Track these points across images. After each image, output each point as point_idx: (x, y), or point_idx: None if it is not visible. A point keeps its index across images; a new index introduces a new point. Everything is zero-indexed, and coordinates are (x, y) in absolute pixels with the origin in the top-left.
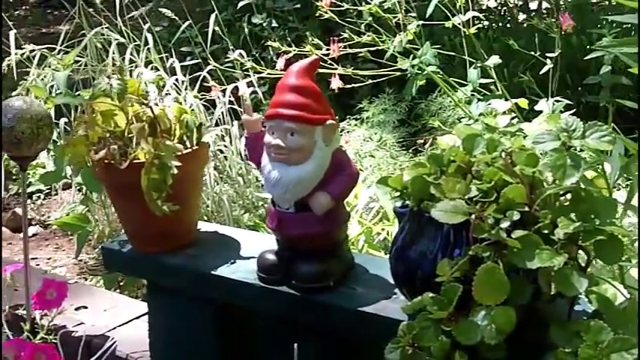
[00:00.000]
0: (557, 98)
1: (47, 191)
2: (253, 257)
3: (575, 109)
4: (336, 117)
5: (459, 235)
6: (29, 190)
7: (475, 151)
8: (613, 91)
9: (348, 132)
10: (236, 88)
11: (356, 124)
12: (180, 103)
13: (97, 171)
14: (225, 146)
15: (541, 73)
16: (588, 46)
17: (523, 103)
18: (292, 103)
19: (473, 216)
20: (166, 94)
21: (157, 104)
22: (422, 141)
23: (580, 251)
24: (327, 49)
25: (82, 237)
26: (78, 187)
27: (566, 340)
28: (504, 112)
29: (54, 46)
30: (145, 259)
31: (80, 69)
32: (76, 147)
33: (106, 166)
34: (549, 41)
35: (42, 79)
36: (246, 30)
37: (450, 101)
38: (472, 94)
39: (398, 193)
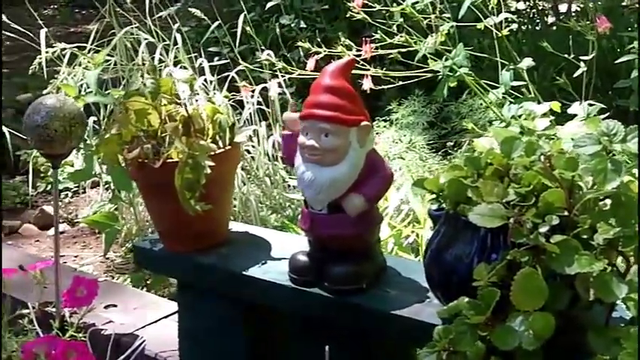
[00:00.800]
0: (591, 102)
1: (75, 189)
2: (285, 258)
3: (607, 113)
4: None
5: (495, 239)
6: None
7: (513, 154)
8: None
9: (377, 134)
10: (264, 88)
11: (385, 126)
12: (213, 103)
13: (130, 170)
14: (253, 147)
15: (575, 75)
16: (619, 50)
17: (555, 106)
18: (327, 103)
19: (511, 220)
20: (195, 93)
21: (191, 104)
22: (452, 143)
23: (620, 257)
24: (358, 50)
25: (110, 235)
26: (106, 186)
27: (605, 347)
28: (543, 115)
29: (84, 44)
30: (176, 258)
31: (110, 68)
32: (109, 145)
33: (139, 165)
34: (579, 44)
35: (72, 78)
36: (277, 30)
37: (481, 104)
38: (504, 97)
39: (433, 196)
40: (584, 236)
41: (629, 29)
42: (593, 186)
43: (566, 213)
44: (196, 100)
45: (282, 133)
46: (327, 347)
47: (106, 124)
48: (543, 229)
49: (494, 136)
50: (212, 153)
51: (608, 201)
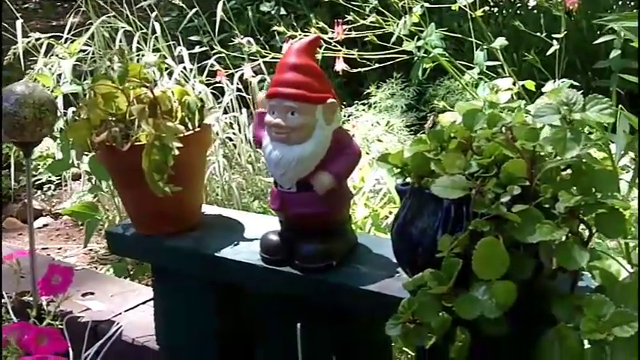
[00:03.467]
0: (564, 80)
1: (57, 182)
2: (257, 239)
3: (584, 93)
4: (344, 102)
5: (459, 211)
6: (40, 181)
7: (476, 127)
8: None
9: (355, 117)
10: (244, 74)
11: (364, 109)
12: (183, 86)
13: (98, 154)
14: (234, 134)
15: (548, 54)
16: (598, 31)
17: (530, 84)
18: (292, 81)
19: (473, 191)
20: (176, 80)
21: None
22: (428, 123)
23: (583, 226)
24: (333, 33)
25: (90, 225)
26: (88, 177)
27: (568, 315)
28: (507, 90)
29: (60, 34)
30: (148, 242)
31: (88, 58)
32: (78, 131)
33: (107, 149)
34: (558, 25)
35: (49, 69)
36: (250, 15)
37: (458, 85)
38: (480, 78)
39: (399, 170)
40: (546, 205)
41: (608, 11)
42: (555, 156)
43: (527, 183)
44: (167, 82)
45: (257, 111)
46: (298, 325)
47: (76, 110)
48: (505, 199)
49: (458, 110)
50: (180, 135)
51: (570, 170)
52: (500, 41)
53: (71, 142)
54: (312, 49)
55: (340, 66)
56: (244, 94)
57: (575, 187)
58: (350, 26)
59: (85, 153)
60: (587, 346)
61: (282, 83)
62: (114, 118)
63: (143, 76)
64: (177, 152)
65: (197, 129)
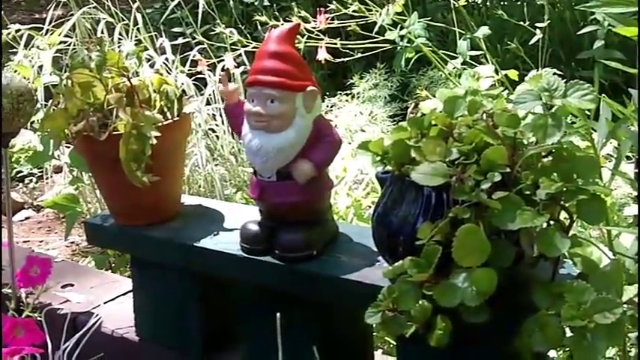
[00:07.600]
0: (547, 69)
1: (39, 174)
2: (237, 229)
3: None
4: (327, 93)
5: (440, 198)
6: (21, 174)
7: (456, 114)
8: (607, 66)
9: (338, 108)
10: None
11: (347, 100)
12: (161, 75)
13: (76, 144)
14: (217, 125)
15: (531, 43)
16: (581, 22)
17: (513, 74)
18: (272, 69)
19: (453, 178)
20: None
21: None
22: (410, 110)
23: (564, 213)
24: (316, 22)
25: (71, 217)
26: (69, 169)
27: (550, 302)
28: (488, 77)
29: (41, 25)
30: (127, 232)
31: (69, 50)
32: (55, 120)
33: (85, 139)
34: (543, 16)
35: (30, 60)
36: (233, 6)
37: (441, 75)
38: (463, 68)
39: (379, 158)
40: (527, 192)
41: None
42: (536, 143)
43: (508, 170)
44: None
45: (224, 107)
46: (277, 314)
47: (53, 99)
48: (485, 186)
49: (438, 98)
50: (158, 124)
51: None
52: (484, 30)
53: (48, 132)
54: (291, 36)
55: (322, 55)
56: None
57: (556, 174)
58: (332, 15)
59: (67, 146)
60: (568, 333)
61: (261, 71)
62: (91, 108)
63: (122, 65)
64: (154, 141)
65: (176, 118)
